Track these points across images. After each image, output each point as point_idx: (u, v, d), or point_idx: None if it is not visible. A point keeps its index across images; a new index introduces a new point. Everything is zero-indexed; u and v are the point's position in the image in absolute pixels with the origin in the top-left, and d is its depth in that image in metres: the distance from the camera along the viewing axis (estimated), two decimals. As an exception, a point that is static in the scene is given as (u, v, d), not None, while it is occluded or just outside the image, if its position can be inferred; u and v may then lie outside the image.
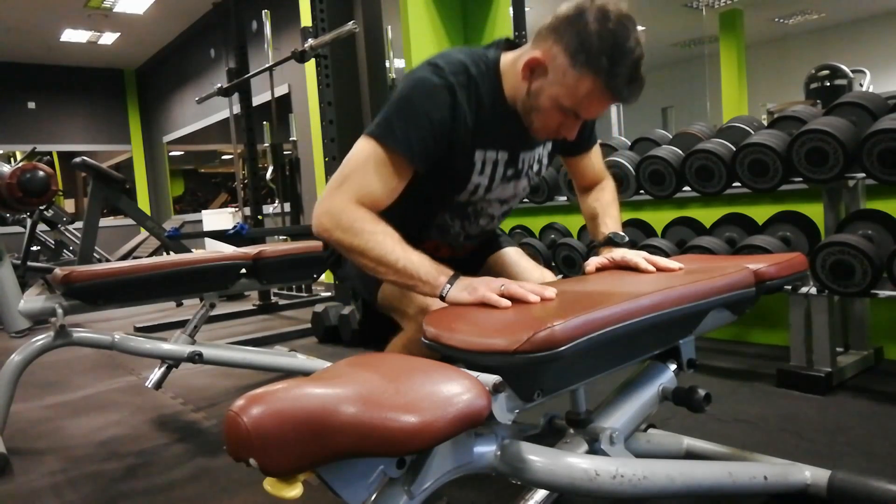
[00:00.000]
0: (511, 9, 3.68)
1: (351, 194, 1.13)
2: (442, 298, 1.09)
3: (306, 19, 5.23)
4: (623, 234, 1.41)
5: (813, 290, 2.14)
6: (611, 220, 1.45)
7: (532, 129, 1.21)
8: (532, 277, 1.47)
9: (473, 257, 1.52)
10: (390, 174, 1.14)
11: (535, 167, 1.37)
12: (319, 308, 3.50)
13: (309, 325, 3.64)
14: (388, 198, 1.15)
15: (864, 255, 1.96)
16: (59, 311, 2.01)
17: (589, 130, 1.43)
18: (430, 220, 1.35)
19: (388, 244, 1.10)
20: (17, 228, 5.73)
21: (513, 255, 1.53)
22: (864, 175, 2.11)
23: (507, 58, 1.22)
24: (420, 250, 1.13)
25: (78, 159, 4.65)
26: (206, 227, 7.40)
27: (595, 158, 1.50)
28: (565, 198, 3.05)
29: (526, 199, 3.19)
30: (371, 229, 1.11)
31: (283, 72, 6.00)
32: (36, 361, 2.06)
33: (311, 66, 4.41)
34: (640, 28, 1.12)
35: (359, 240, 1.10)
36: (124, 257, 6.98)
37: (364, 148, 1.16)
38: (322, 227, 1.14)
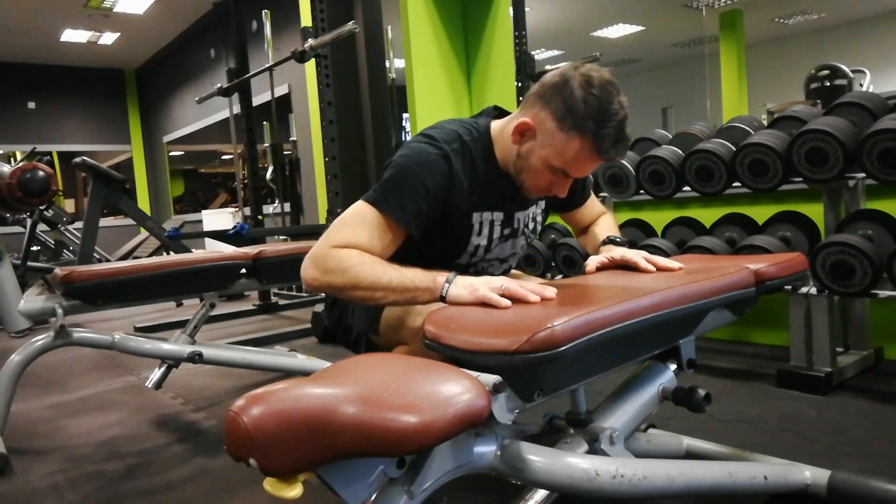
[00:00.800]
0: (511, 9, 3.68)
1: (334, 243, 1.14)
2: (442, 299, 1.09)
3: (306, 19, 5.23)
4: (621, 236, 1.44)
5: (813, 290, 2.14)
6: (605, 229, 1.50)
7: (524, 189, 1.26)
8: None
9: None
10: (381, 232, 1.16)
11: (531, 225, 1.41)
12: (319, 308, 3.50)
13: (309, 325, 3.64)
14: (377, 252, 1.16)
15: (864, 255, 1.96)
16: (59, 311, 2.01)
17: (581, 186, 1.48)
18: None
19: (377, 269, 1.11)
20: (17, 228, 5.73)
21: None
22: (864, 175, 2.11)
23: (496, 124, 1.27)
24: None
25: (78, 159, 4.64)
26: (206, 227, 7.40)
27: (591, 207, 1.55)
28: (565, 198, 3.05)
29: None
30: (357, 261, 1.11)
31: (283, 72, 6.01)
32: (36, 361, 2.06)
33: (311, 66, 4.40)
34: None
35: (348, 275, 1.11)
36: (124, 257, 6.98)
37: (356, 209, 1.18)
38: (311, 278, 1.14)
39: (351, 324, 1.40)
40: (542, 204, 1.42)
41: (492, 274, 1.42)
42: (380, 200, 1.16)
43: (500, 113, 1.32)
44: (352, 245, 1.14)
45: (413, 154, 1.19)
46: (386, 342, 1.31)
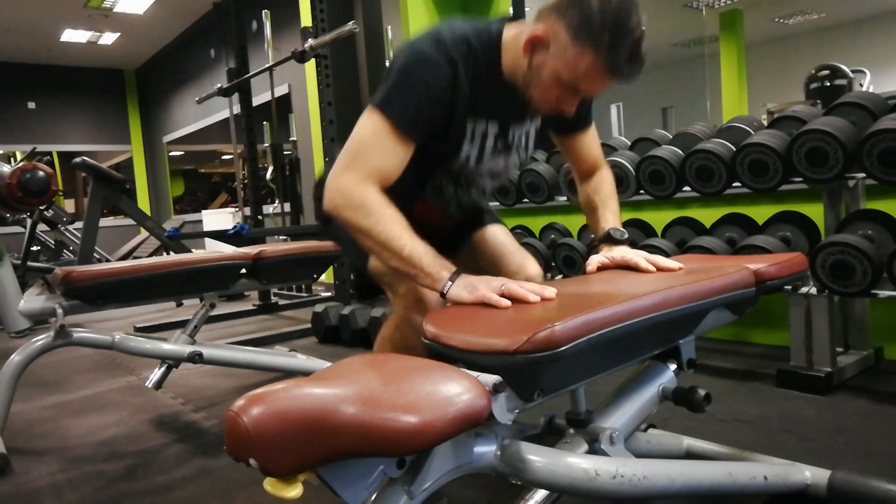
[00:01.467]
0: (511, 9, 3.68)
1: (361, 172, 1.14)
2: (442, 295, 1.09)
3: (306, 19, 5.23)
4: (622, 229, 1.41)
5: (813, 290, 2.13)
6: (611, 214, 1.45)
7: (532, 102, 1.22)
8: (515, 257, 1.49)
9: (459, 230, 1.53)
10: (395, 148, 1.16)
11: (524, 141, 1.38)
12: (319, 308, 3.50)
13: (309, 325, 3.64)
14: (396, 172, 1.17)
15: (864, 255, 1.96)
16: (59, 311, 2.01)
17: (585, 109, 1.42)
18: (426, 179, 1.36)
19: (395, 229, 1.11)
20: (17, 228, 5.73)
21: (498, 233, 1.54)
22: (864, 175, 2.11)
23: (509, 32, 1.23)
24: (413, 209, 1.15)
25: (78, 159, 4.64)
26: (206, 227, 7.40)
27: (591, 141, 1.48)
28: (565, 198, 3.05)
29: (526, 199, 3.19)
30: (381, 211, 1.11)
31: (283, 72, 6.00)
32: (36, 361, 2.06)
33: (311, 66, 4.41)
34: (642, 16, 1.13)
35: (368, 221, 1.11)
36: (124, 257, 6.98)
37: (369, 122, 1.17)
38: (333, 205, 1.15)
39: (337, 236, 1.42)
40: (538, 122, 1.39)
41: (483, 187, 1.41)
42: (387, 106, 1.15)
43: (515, 21, 1.27)
44: (376, 172, 1.13)
45: (419, 56, 1.17)
46: (374, 277, 1.34)
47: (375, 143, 1.15)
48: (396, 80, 1.17)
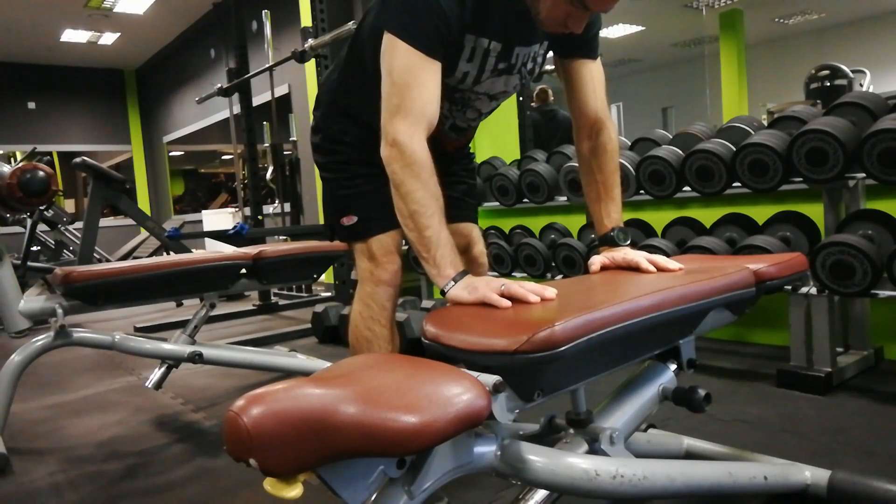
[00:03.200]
0: None
1: (413, 119, 1.13)
2: (443, 294, 1.10)
3: (306, 19, 5.23)
4: (625, 230, 1.38)
5: (813, 290, 2.14)
6: (614, 207, 1.39)
7: (539, 19, 1.20)
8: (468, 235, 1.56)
9: (445, 167, 1.51)
10: (433, 78, 1.16)
11: (530, 65, 1.36)
12: (319, 308, 3.50)
13: (309, 325, 3.64)
14: (438, 103, 1.17)
15: (864, 255, 1.96)
16: (59, 311, 2.01)
17: (592, 35, 1.38)
18: None
19: (431, 207, 1.11)
20: (17, 228, 5.73)
21: (475, 235, 1.60)
22: (864, 175, 2.11)
23: None
24: None
25: (78, 159, 4.64)
26: (206, 227, 7.40)
27: (597, 78, 1.40)
28: (565, 198, 3.05)
29: (526, 199, 3.19)
30: (426, 180, 1.12)
31: (283, 72, 6.01)
32: (36, 361, 2.06)
33: (311, 66, 4.41)
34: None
35: (412, 184, 1.11)
36: (124, 257, 6.98)
37: (400, 55, 1.15)
38: (389, 154, 1.14)
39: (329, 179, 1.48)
40: (546, 45, 1.37)
41: (479, 109, 1.40)
42: (412, 37, 1.14)
43: None
44: (425, 115, 1.14)
45: None
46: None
47: (415, 80, 1.14)
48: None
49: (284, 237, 4.07)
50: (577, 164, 1.63)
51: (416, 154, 1.12)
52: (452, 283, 1.09)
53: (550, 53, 1.42)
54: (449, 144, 1.48)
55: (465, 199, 1.59)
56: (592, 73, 1.38)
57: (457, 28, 1.19)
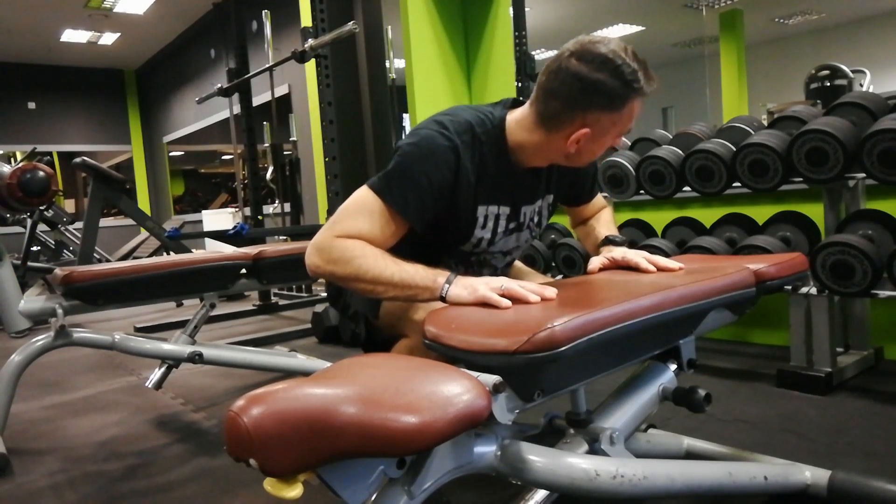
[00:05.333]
0: (511, 9, 3.68)
1: (338, 232, 1.14)
2: (443, 300, 1.09)
3: (306, 19, 5.23)
4: (620, 235, 1.44)
5: (813, 291, 2.13)
6: (604, 227, 1.50)
7: (577, 165, 1.28)
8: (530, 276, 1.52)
9: None
10: (384, 223, 1.16)
11: (536, 219, 1.40)
12: (319, 308, 3.50)
13: (309, 325, 3.64)
14: (379, 242, 1.16)
15: (864, 255, 1.96)
16: (59, 311, 2.01)
17: (591, 181, 1.51)
18: (434, 264, 1.36)
19: (380, 263, 1.11)
20: (17, 228, 5.72)
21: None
22: (864, 175, 2.11)
23: (513, 116, 1.25)
24: None
25: (78, 159, 4.65)
26: (206, 227, 7.40)
27: (597, 206, 1.57)
28: (565, 198, 3.05)
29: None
30: (360, 253, 1.11)
31: (283, 72, 6.01)
32: (36, 361, 2.06)
33: (311, 66, 4.41)
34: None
35: (350, 267, 1.11)
36: (124, 257, 6.98)
37: (360, 196, 1.18)
38: (314, 265, 1.15)
39: (349, 301, 1.40)
40: (550, 198, 1.42)
41: (494, 265, 1.42)
42: (384, 190, 1.15)
43: (517, 104, 1.29)
44: (355, 235, 1.13)
45: (422, 144, 1.17)
46: (386, 327, 1.32)
47: (362, 213, 1.15)
48: (397, 167, 1.17)
49: (284, 237, 4.08)
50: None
51: (336, 246, 1.12)
52: (447, 285, 1.09)
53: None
54: None
55: None
56: (594, 206, 1.56)
57: (463, 202, 1.22)
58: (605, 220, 1.52)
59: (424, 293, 1.11)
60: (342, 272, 1.12)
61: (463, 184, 1.20)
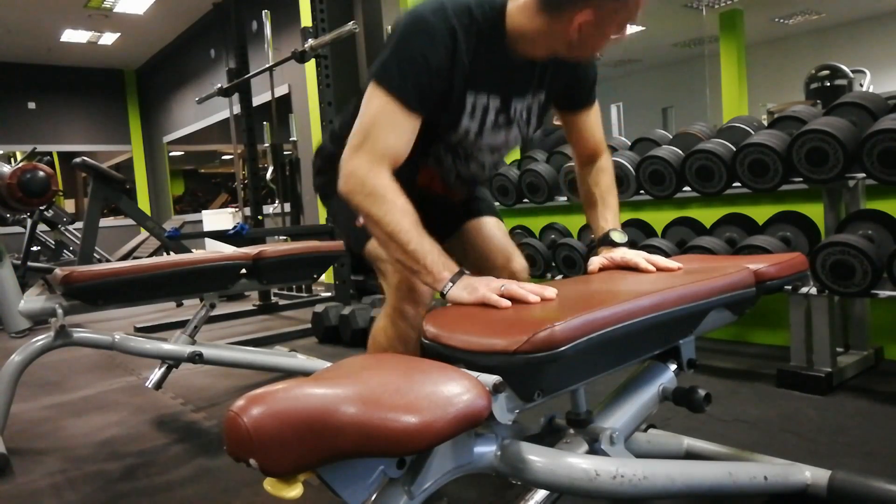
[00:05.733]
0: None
1: (373, 155, 1.14)
2: (442, 295, 1.09)
3: (306, 19, 5.23)
4: (622, 231, 1.41)
5: (813, 291, 2.13)
6: (610, 213, 1.44)
7: (577, 59, 1.26)
8: (503, 252, 1.50)
9: (457, 212, 1.54)
10: (403, 126, 1.16)
11: (526, 115, 1.37)
12: (319, 308, 3.50)
13: (309, 325, 3.64)
14: (406, 150, 1.17)
15: (864, 256, 1.96)
16: (59, 311, 2.01)
17: (589, 86, 1.43)
18: (426, 148, 1.35)
19: (404, 223, 1.11)
20: (17, 228, 5.73)
21: (492, 225, 1.54)
22: (864, 175, 2.11)
23: (514, 2, 1.21)
24: (416, 178, 1.16)
25: (78, 159, 4.64)
26: (207, 227, 7.40)
27: (594, 121, 1.48)
28: (565, 198, 3.05)
29: (526, 199, 3.19)
30: (392, 201, 1.11)
31: (283, 72, 6.00)
32: (36, 361, 2.06)
33: (311, 66, 4.41)
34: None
35: (378, 209, 1.11)
36: (124, 257, 6.98)
37: (375, 99, 1.16)
38: (347, 189, 1.15)
39: (335, 213, 1.43)
40: (542, 96, 1.38)
41: (481, 161, 1.41)
42: (391, 84, 1.15)
43: None
44: (387, 154, 1.14)
45: (419, 26, 1.15)
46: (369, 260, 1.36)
47: (384, 122, 1.15)
48: (395, 48, 1.16)
49: (284, 237, 4.08)
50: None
51: (377, 183, 1.13)
52: (450, 284, 1.09)
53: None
54: (454, 195, 1.50)
55: (477, 198, 1.59)
56: (591, 116, 1.47)
57: (456, 85, 1.20)
58: (610, 201, 1.46)
59: (427, 277, 1.11)
60: (369, 209, 1.12)
61: (458, 66, 1.18)
